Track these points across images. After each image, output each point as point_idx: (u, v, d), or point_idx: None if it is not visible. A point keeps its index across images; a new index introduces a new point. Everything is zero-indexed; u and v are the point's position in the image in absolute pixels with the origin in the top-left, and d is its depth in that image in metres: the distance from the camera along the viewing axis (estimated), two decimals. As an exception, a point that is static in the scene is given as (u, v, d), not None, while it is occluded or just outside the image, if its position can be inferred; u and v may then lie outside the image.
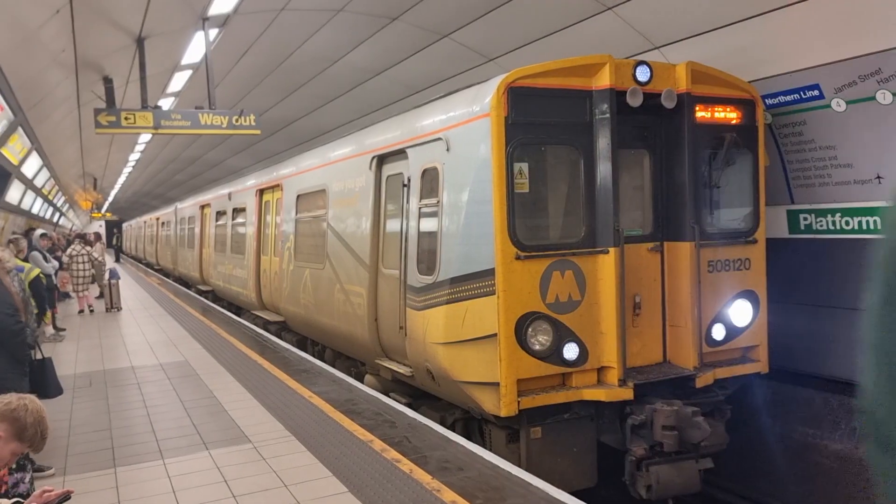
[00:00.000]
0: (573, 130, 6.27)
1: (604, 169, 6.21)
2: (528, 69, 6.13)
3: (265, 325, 13.70)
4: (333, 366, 9.95)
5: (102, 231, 35.36)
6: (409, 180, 7.40)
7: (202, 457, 5.90)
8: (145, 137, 22.48)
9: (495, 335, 5.91)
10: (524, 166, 6.14)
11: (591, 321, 6.21)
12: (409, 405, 7.48)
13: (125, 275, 31.57)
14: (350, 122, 17.42)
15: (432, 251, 6.82)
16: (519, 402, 5.88)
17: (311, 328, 11.07)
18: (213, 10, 9.92)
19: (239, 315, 16.05)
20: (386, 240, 8.22)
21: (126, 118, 10.64)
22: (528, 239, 6.11)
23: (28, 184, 21.02)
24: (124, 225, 58.71)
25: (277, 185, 12.93)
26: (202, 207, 21.35)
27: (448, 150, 6.60)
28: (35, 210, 27.67)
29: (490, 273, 5.98)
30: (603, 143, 6.20)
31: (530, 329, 5.96)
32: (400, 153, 7.78)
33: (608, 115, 6.13)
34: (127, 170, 35.02)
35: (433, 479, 5.14)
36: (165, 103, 15.60)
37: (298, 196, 11.48)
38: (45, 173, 23.33)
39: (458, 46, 11.16)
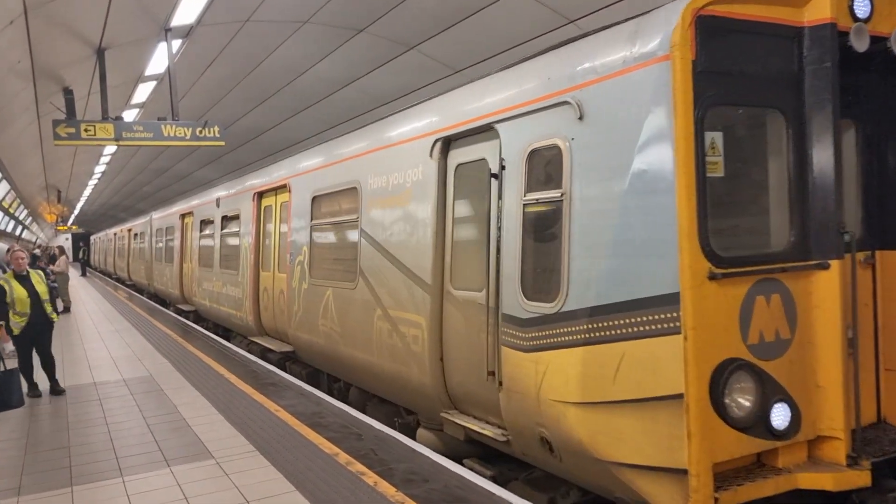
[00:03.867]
0: (777, 85, 4.40)
1: (821, 144, 4.38)
2: None
3: (263, 352, 11.46)
4: (364, 411, 8.12)
5: (69, 245, 34.70)
6: (501, 167, 5.41)
7: (163, 474, 5.79)
8: (111, 149, 22.21)
9: (678, 396, 3.99)
10: (717, 138, 4.36)
11: (805, 370, 4.36)
12: (494, 479, 5.60)
13: (90, 288, 31.01)
14: (318, 134, 17.38)
15: (551, 266, 4.88)
16: (717, 498, 3.95)
17: (332, 362, 8.89)
18: (176, 21, 9.86)
19: (228, 339, 14.25)
20: (457, 251, 6.20)
21: (86, 130, 10.49)
22: (725, 248, 4.18)
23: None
24: (92, 237, 57.53)
25: (283, 187, 10.71)
26: (183, 217, 18.93)
27: (581, 117, 4.69)
28: (-6, 223, 27.11)
29: (668, 300, 4.06)
30: (819, 105, 4.38)
31: (728, 385, 4.09)
32: (481, 131, 5.80)
33: (829, 65, 4.30)
34: (93, 182, 34.48)
35: (397, 492, 5.11)
36: (130, 115, 15.42)
37: (315, 198, 9.34)
38: (4, 185, 22.85)
39: (424, 58, 11.22)
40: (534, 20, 9.06)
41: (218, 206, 14.51)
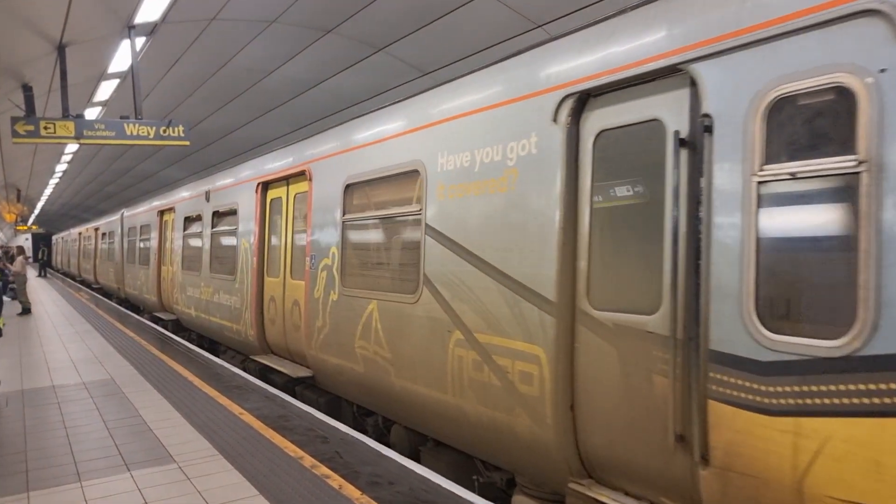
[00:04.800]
0: None
1: None
2: None
3: (262, 371, 10.00)
4: (412, 456, 6.69)
5: (29, 245, 33.89)
6: (704, 128, 3.71)
7: (123, 478, 5.68)
8: (72, 148, 21.73)
9: None
10: None
11: None
12: None
13: (50, 289, 30.28)
14: (287, 135, 17.25)
15: (829, 277, 3.23)
16: None
17: (373, 394, 7.02)
18: (140, 18, 9.69)
19: (217, 355, 12.96)
20: (600, 253, 4.40)
21: (46, 127, 10.24)
22: None
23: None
24: (54, 238, 56.05)
25: (299, 174, 8.90)
26: (162, 213, 16.95)
27: None
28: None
29: None
30: None
31: None
32: (653, 78, 4.10)
33: None
34: (54, 181, 33.70)
35: (363, 495, 5.10)
36: (92, 113, 15.12)
37: (348, 186, 7.56)
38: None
39: (393, 60, 11.22)
40: (501, 24, 9.11)
41: (208, 199, 12.61)
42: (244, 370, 10.75)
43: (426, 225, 6.00)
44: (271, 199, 10.10)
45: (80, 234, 36.81)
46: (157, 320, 17.56)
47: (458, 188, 5.66)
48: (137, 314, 19.80)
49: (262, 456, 6.12)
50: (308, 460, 5.93)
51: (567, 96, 4.63)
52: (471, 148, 5.53)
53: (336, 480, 5.42)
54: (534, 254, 4.80)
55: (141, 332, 15.01)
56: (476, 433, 5.45)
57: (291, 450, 6.25)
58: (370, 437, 7.52)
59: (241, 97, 14.95)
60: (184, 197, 14.90)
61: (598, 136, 4.49)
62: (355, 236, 7.54)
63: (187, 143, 11.55)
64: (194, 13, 9.97)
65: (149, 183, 31.15)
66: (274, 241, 9.93)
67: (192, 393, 8.77)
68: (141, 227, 19.28)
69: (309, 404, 8.48)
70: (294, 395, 9.01)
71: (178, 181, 27.36)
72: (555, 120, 4.70)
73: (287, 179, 9.43)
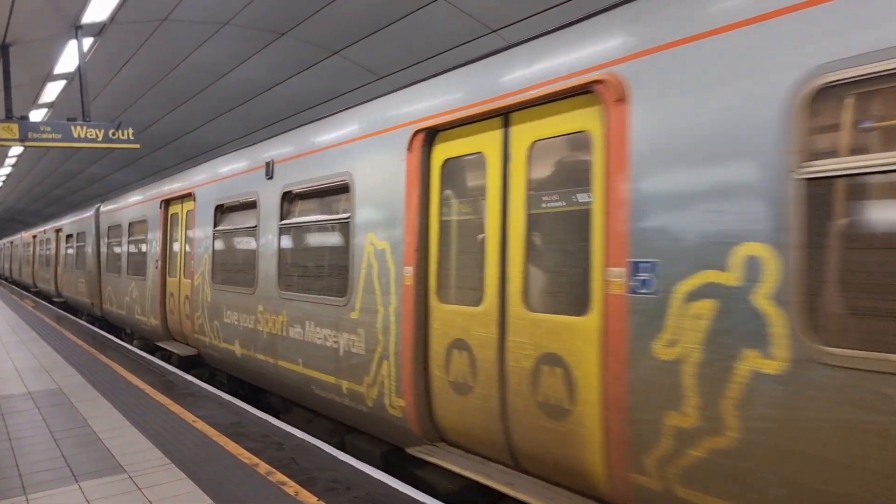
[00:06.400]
0: None
1: None
2: None
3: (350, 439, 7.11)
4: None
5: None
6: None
7: (71, 490, 5.53)
8: (17, 150, 21.06)
9: None
10: None
11: None
12: None
13: (-6, 298, 29.25)
14: (241, 138, 17.03)
15: None
16: None
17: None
18: (87, 18, 9.47)
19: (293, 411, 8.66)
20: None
21: (-12, 130, 9.93)
22: None
23: None
24: (0, 242, 53.88)
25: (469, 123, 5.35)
26: (167, 203, 12.11)
27: None
28: None
29: None
30: None
31: None
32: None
33: None
34: (-3, 185, 32.60)
35: (319, 501, 5.07)
36: (37, 115, 14.69)
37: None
38: None
39: (348, 63, 11.19)
40: (456, 29, 9.17)
41: (270, 173, 8.11)
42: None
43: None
44: (416, 171, 6.21)
45: (34, 237, 32.18)
46: (150, 347, 13.38)
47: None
48: (117, 336, 16.16)
49: (216, 464, 6.02)
50: (263, 467, 5.86)
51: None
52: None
53: (292, 487, 5.38)
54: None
55: (87, 339, 14.61)
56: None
57: (246, 457, 6.17)
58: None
59: (195, 99, 14.71)
60: (216, 174, 9.96)
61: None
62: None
63: (137, 146, 11.31)
64: (144, 14, 9.79)
65: (98, 187, 30.38)
66: (428, 238, 6.08)
67: (144, 401, 8.59)
68: (130, 224, 14.48)
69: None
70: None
71: (130, 184, 26.76)
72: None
73: (443, 130, 5.89)
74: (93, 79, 11.36)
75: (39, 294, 30.40)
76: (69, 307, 23.13)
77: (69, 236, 22.24)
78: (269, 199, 8.31)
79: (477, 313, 5.15)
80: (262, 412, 7.95)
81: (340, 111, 7.16)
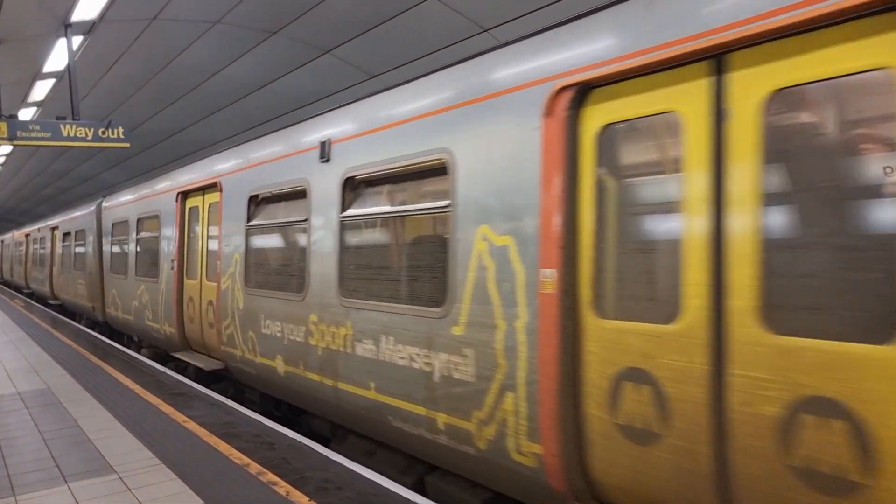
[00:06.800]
0: None
1: None
2: None
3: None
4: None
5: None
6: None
7: (61, 491, 5.50)
8: (6, 149, 20.92)
9: None
10: None
11: None
12: None
13: (-17, 298, 29.01)
14: (233, 137, 16.97)
15: None
16: None
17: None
18: (77, 16, 9.41)
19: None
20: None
21: (-24, 129, 9.85)
22: None
23: None
24: None
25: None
26: (185, 195, 10.94)
27: None
28: None
29: None
30: None
31: None
32: None
33: None
34: (-15, 184, 32.36)
35: (311, 501, 5.05)
36: (26, 113, 14.59)
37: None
38: None
39: (340, 62, 11.16)
40: (448, 28, 9.17)
41: (326, 155, 6.91)
42: None
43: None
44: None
45: (26, 235, 30.73)
46: (163, 360, 12.35)
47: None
48: (118, 342, 15.57)
49: (207, 464, 6.00)
50: (255, 467, 5.84)
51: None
52: None
53: (283, 487, 5.36)
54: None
55: (79, 340, 14.53)
56: None
57: (237, 457, 6.15)
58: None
59: (185, 98, 14.65)
60: (253, 161, 8.72)
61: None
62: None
63: (127, 145, 11.25)
64: (134, 12, 9.74)
65: (88, 186, 30.21)
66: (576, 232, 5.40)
67: (134, 402, 8.54)
68: (139, 221, 13.18)
69: None
70: None
71: (119, 183, 26.61)
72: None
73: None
74: (82, 77, 11.30)
75: (32, 296, 29.29)
76: (66, 311, 21.97)
77: (66, 234, 20.58)
78: (325, 187, 6.94)
79: (668, 333, 3.78)
80: (259, 415, 7.92)
81: (428, 74, 5.88)
